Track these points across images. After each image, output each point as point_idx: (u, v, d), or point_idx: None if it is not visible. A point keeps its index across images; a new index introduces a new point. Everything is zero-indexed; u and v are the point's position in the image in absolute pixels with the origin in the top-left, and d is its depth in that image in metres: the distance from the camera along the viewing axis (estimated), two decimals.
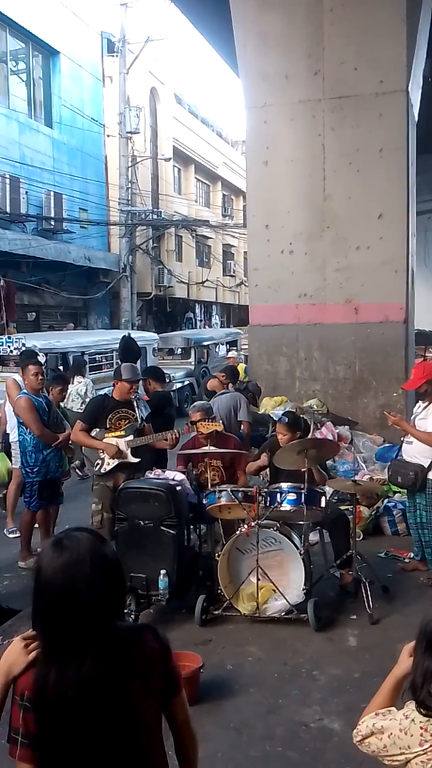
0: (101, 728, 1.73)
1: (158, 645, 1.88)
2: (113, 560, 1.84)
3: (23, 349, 10.34)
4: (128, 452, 5.99)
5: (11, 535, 7.66)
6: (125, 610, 1.93)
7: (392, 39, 9.51)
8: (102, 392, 7.25)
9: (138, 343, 15.38)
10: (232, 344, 22.02)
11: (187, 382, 17.19)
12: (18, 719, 1.75)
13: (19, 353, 9.71)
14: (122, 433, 6.01)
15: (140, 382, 6.29)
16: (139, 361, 9.06)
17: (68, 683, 1.71)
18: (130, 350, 8.54)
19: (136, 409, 6.11)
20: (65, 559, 1.75)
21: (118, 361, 9.39)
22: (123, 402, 6.09)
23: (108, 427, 6.04)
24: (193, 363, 18.07)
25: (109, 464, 6.00)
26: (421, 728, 1.86)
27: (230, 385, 8.89)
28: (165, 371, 9.01)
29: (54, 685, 1.71)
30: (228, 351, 19.72)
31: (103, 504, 6.00)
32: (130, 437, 6.00)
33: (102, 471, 6.03)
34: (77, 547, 1.77)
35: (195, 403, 6.74)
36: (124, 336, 9.08)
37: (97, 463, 6.08)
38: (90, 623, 1.73)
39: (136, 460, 6.02)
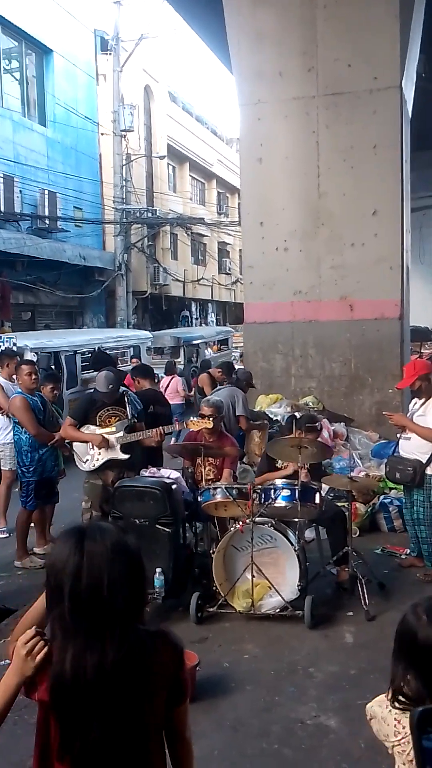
0: (110, 719, 1.74)
1: (172, 654, 1.87)
2: (136, 555, 1.84)
3: (2, 348, 10.27)
4: (117, 448, 5.96)
5: (0, 536, 7.66)
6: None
7: (385, 35, 9.50)
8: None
9: (132, 342, 15.47)
10: (224, 342, 21.94)
11: None
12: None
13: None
14: (113, 429, 5.98)
15: (119, 389, 6.19)
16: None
17: (88, 668, 1.71)
18: (100, 362, 8.43)
19: (127, 405, 6.09)
20: (90, 547, 1.76)
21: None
22: (113, 399, 6.07)
23: (98, 424, 6.02)
24: (182, 362, 17.80)
25: (98, 460, 5.97)
26: (395, 719, 1.92)
27: (226, 380, 8.89)
28: (154, 371, 8.93)
29: (72, 668, 1.72)
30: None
31: (92, 502, 5.99)
32: (120, 434, 5.97)
33: (91, 467, 6.00)
34: (103, 536, 1.78)
35: (208, 398, 6.71)
36: (94, 349, 8.92)
37: (86, 460, 6.05)
38: (111, 612, 1.73)
39: (126, 456, 5.98)
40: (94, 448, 5.99)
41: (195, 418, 6.03)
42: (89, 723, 1.73)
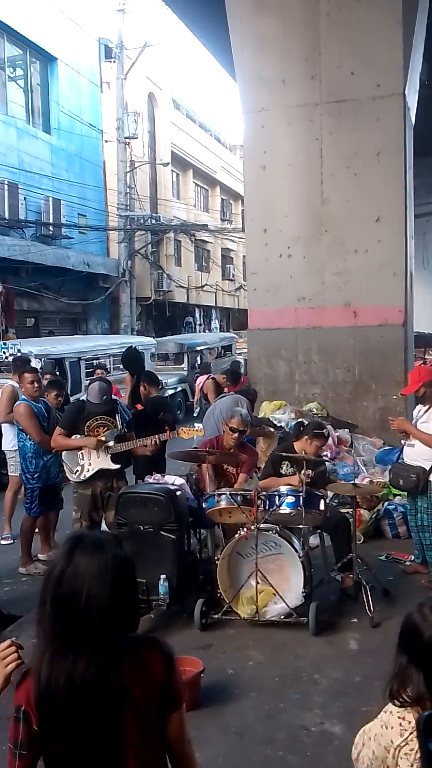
0: (88, 733, 1.74)
1: (161, 662, 1.84)
2: (126, 573, 1.82)
3: (18, 355, 10.34)
4: (108, 458, 5.89)
5: (2, 542, 7.66)
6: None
7: (388, 43, 9.53)
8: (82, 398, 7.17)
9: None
10: (227, 349, 21.88)
11: (180, 388, 16.71)
12: (16, 733, 1.76)
13: (12, 359, 9.66)
14: (102, 439, 5.91)
15: (111, 400, 6.17)
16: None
17: (60, 676, 1.72)
18: (132, 360, 8.41)
19: (116, 414, 6.04)
20: (79, 557, 1.75)
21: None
22: (103, 409, 5.98)
23: (86, 434, 5.92)
24: (186, 368, 17.66)
25: (88, 471, 5.90)
26: (399, 717, 1.89)
27: (229, 387, 8.88)
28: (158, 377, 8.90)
29: (47, 673, 1.73)
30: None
31: (81, 512, 5.94)
32: (110, 443, 5.92)
33: (81, 478, 5.93)
34: (95, 549, 1.78)
35: (238, 410, 6.64)
36: (129, 347, 8.90)
37: (77, 470, 5.98)
38: (87, 625, 1.72)
39: (116, 466, 5.94)
40: (84, 459, 5.92)
41: (189, 426, 6.03)
42: (61, 730, 1.73)
